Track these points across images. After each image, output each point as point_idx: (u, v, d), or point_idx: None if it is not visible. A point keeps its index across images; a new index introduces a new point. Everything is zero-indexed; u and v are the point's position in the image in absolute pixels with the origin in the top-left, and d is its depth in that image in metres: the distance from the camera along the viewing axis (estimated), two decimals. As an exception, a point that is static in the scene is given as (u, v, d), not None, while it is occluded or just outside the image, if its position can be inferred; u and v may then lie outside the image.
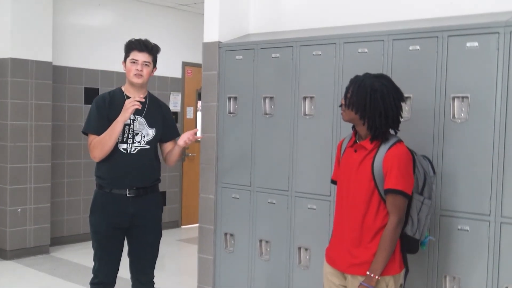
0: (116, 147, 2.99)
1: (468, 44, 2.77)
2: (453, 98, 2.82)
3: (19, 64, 5.43)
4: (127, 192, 3.00)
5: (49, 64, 5.64)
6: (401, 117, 2.40)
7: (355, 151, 2.40)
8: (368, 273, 2.28)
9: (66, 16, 6.02)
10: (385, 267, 2.28)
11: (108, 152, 2.95)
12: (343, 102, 2.39)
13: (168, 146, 3.22)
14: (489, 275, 2.73)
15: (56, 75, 5.87)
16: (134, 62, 3.00)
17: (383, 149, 2.30)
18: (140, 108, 2.94)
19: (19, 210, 5.49)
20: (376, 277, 2.25)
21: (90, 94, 6.16)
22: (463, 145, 2.80)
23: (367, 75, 2.36)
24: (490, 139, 2.72)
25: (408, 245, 2.41)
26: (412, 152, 2.40)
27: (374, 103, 2.28)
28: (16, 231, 5.49)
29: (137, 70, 2.99)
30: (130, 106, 2.90)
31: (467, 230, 2.78)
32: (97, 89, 6.24)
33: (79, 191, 6.19)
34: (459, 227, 2.79)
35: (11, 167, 5.43)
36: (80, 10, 6.16)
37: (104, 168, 3.04)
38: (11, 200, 5.45)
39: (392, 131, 2.44)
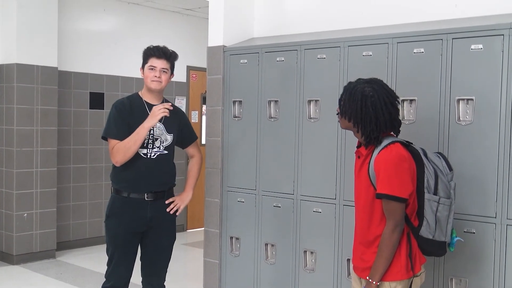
0: (136, 152, 2.99)
1: (472, 47, 2.77)
2: (458, 101, 2.82)
3: (24, 70, 5.44)
4: (146, 196, 3.02)
5: (54, 69, 5.64)
6: (398, 120, 2.34)
7: (359, 157, 2.40)
8: (367, 278, 2.27)
9: (71, 21, 6.04)
10: (390, 272, 2.24)
11: (130, 157, 2.95)
12: (339, 110, 2.39)
13: (191, 149, 3.31)
14: (495, 278, 2.72)
15: (62, 80, 5.86)
16: (152, 69, 3.02)
17: (375, 153, 2.27)
18: (168, 115, 2.96)
19: (25, 214, 5.49)
20: (374, 282, 2.22)
21: (96, 99, 6.19)
22: (468, 148, 2.79)
23: (359, 81, 2.34)
24: (495, 141, 2.72)
25: (430, 248, 2.32)
26: (414, 151, 2.31)
27: (365, 110, 2.26)
28: (22, 236, 5.49)
29: (155, 76, 3.01)
30: (159, 112, 2.92)
31: (473, 233, 2.77)
32: (102, 94, 6.26)
33: (85, 196, 6.19)
34: (465, 230, 2.78)
35: (17, 172, 5.44)
36: (85, 15, 6.17)
37: (123, 173, 3.03)
38: (17, 205, 5.45)
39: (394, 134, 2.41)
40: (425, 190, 2.27)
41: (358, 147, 2.42)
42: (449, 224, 2.34)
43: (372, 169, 2.26)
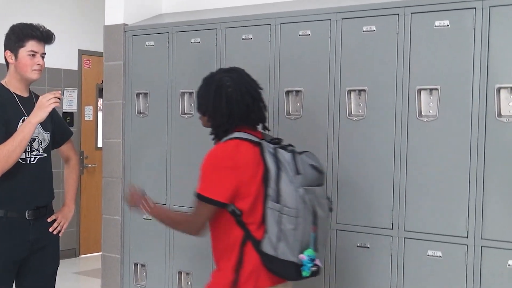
0: None
1: (436, 23, 2.55)
2: (419, 91, 2.59)
3: None
4: (27, 214, 2.80)
5: None
6: (259, 114, 2.25)
7: None
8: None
9: None
10: (216, 286, 2.19)
11: (14, 163, 2.71)
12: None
13: (65, 149, 3.15)
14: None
15: None
16: (33, 55, 2.82)
17: None
18: (59, 105, 2.84)
19: None
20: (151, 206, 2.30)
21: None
22: (433, 149, 2.55)
23: (219, 71, 2.34)
24: (466, 141, 2.47)
25: (274, 267, 2.12)
26: (262, 149, 2.16)
27: (218, 101, 2.21)
28: None
29: (39, 64, 2.85)
30: (49, 103, 2.73)
31: (440, 256, 2.51)
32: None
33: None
34: (429, 253, 2.52)
35: None
36: None
37: None
38: None
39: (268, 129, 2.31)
40: (268, 197, 2.14)
41: None
42: (297, 241, 2.11)
43: None
